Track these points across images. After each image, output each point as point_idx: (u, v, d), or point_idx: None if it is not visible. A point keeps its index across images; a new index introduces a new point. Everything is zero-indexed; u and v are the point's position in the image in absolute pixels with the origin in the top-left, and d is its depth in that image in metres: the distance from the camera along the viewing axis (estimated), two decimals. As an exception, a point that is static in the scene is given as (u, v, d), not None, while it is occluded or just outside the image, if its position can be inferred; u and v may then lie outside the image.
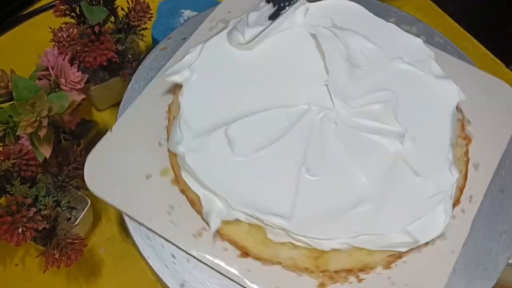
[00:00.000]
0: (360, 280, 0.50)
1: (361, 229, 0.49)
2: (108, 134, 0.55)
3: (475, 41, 0.82)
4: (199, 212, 0.52)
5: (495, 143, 0.59)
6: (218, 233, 0.51)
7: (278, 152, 0.52)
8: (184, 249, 0.51)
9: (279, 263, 0.50)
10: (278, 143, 0.53)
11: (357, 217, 0.49)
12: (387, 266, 0.51)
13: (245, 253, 0.51)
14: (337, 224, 0.49)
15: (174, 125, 0.55)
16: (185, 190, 0.53)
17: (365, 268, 0.51)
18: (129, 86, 0.61)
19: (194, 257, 0.50)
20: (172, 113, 0.57)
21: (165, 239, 0.51)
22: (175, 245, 0.51)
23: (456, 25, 0.84)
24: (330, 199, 0.50)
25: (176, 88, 0.58)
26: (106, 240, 0.65)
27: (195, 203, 0.52)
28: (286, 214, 0.49)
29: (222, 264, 0.50)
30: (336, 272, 0.50)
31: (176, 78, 0.56)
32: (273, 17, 0.59)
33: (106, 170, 0.53)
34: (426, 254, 0.52)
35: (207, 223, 0.51)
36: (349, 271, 0.51)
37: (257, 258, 0.50)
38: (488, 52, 0.81)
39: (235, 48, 0.58)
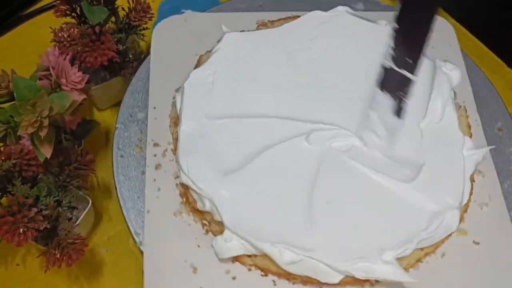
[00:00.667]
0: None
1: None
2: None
3: (476, 40, 0.82)
4: None
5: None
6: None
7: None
8: None
9: None
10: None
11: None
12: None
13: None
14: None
15: None
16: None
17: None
18: (129, 86, 0.61)
19: None
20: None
21: None
22: None
23: (457, 24, 0.84)
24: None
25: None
26: (107, 240, 0.65)
27: None
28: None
29: None
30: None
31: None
32: (398, 113, 0.53)
33: None
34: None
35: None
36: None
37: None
38: (489, 52, 0.81)
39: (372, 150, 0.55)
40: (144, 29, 0.69)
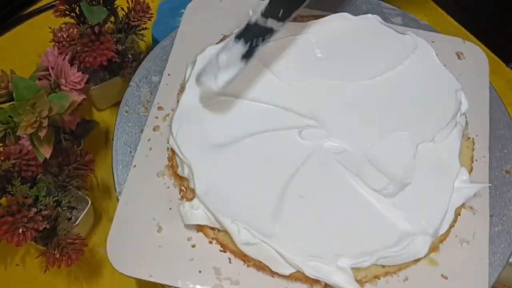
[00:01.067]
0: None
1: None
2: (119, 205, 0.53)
3: (476, 40, 0.82)
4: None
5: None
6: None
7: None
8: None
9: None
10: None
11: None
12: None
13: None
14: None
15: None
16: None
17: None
18: (129, 87, 0.61)
19: None
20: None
21: None
22: None
23: (457, 24, 0.84)
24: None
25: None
26: (107, 240, 0.65)
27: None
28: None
29: None
30: None
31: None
32: (247, 56, 0.53)
33: (126, 245, 0.51)
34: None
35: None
36: None
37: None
38: (489, 51, 0.81)
39: (206, 94, 0.54)
40: (143, 29, 0.69)
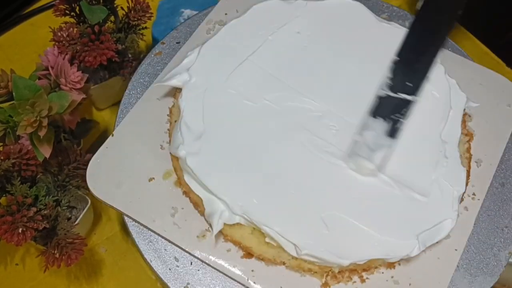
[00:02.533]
0: (363, 280, 0.50)
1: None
2: (110, 138, 0.56)
3: (476, 40, 0.82)
4: (203, 213, 0.52)
5: (496, 139, 0.59)
6: (222, 234, 0.51)
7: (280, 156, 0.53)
8: (187, 250, 0.51)
9: (283, 263, 0.50)
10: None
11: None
12: (391, 265, 0.51)
13: (248, 254, 0.51)
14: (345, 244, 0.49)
15: (175, 128, 0.55)
16: (188, 192, 0.53)
17: (369, 268, 0.51)
18: (128, 87, 0.61)
19: (198, 258, 0.50)
20: (174, 116, 0.58)
21: (168, 240, 0.51)
22: (178, 246, 0.51)
23: (457, 23, 0.84)
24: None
25: (176, 92, 0.59)
26: (107, 240, 0.65)
27: (198, 204, 0.52)
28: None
29: (226, 265, 0.50)
30: (339, 272, 0.50)
31: (175, 82, 0.56)
32: (393, 133, 0.52)
33: (108, 174, 0.54)
34: (429, 253, 0.52)
35: (210, 225, 0.51)
36: (353, 270, 0.50)
37: (261, 259, 0.50)
38: (489, 51, 0.81)
39: (362, 174, 0.53)
40: (143, 28, 0.69)
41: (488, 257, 0.52)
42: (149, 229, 0.52)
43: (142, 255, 0.52)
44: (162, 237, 0.51)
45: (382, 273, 0.51)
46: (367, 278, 0.51)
